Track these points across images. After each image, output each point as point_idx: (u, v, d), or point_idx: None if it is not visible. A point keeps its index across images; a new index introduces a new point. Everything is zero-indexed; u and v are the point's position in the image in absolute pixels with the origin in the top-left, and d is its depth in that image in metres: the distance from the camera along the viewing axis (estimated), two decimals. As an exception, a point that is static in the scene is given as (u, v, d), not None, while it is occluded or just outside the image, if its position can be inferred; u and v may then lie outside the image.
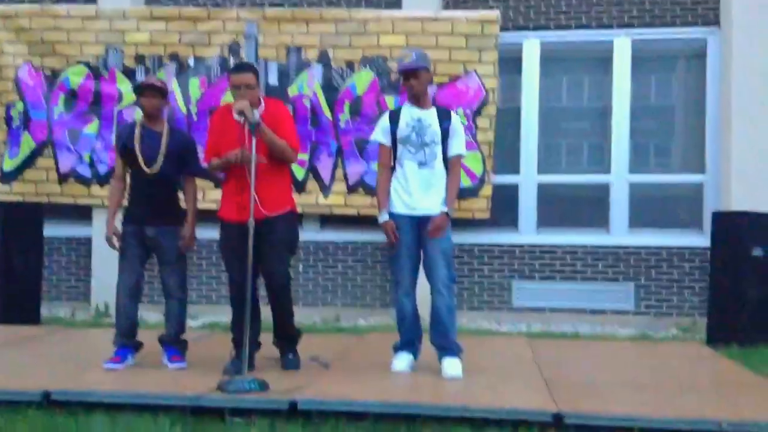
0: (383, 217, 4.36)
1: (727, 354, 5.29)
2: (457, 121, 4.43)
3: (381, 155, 4.48)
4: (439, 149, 4.34)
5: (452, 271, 4.39)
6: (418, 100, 4.38)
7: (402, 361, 4.44)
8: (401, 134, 4.34)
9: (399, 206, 4.35)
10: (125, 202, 4.64)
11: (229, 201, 4.37)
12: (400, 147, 4.36)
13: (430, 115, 4.36)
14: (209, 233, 7.29)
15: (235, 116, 4.21)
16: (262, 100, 4.41)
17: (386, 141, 4.41)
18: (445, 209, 4.30)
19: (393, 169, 4.41)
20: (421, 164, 4.32)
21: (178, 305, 4.54)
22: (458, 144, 4.38)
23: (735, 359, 5.10)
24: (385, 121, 4.46)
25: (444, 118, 4.37)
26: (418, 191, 4.31)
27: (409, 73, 4.31)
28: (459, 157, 4.41)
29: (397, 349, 4.50)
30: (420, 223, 4.31)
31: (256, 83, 4.33)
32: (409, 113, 4.38)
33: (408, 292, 4.37)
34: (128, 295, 4.50)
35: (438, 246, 4.29)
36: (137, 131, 4.49)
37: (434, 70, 6.84)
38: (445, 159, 4.37)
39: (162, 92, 4.53)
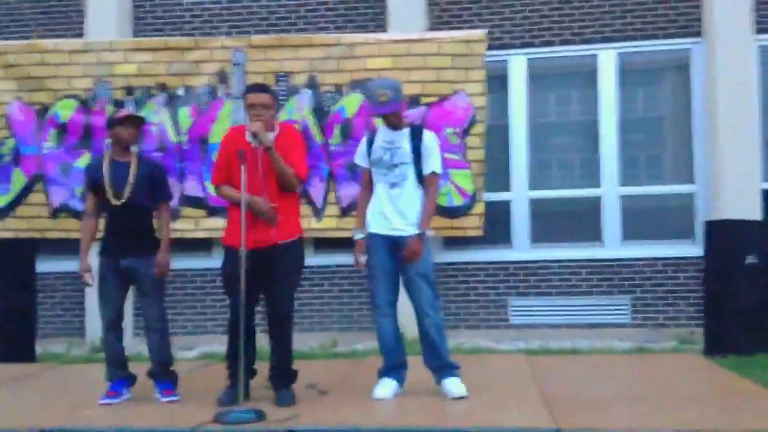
0: (355, 237, 4.43)
1: (725, 364, 5.28)
2: (430, 139, 4.40)
3: (362, 177, 4.58)
4: (410, 170, 4.33)
5: (435, 289, 4.37)
6: (392, 124, 4.41)
7: (384, 388, 4.35)
8: (373, 156, 4.41)
9: (374, 226, 4.39)
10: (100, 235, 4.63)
11: (237, 228, 4.17)
12: (373, 169, 4.43)
13: (402, 136, 4.38)
14: (203, 262, 7.40)
15: (248, 138, 4.19)
16: (277, 125, 4.42)
17: (364, 163, 4.49)
18: (418, 231, 4.28)
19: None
20: (392, 185, 4.35)
21: (159, 337, 4.50)
22: (432, 162, 4.35)
23: (732, 369, 5.09)
24: (363, 144, 4.54)
25: (415, 137, 4.36)
26: (391, 212, 4.34)
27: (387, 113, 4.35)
28: (433, 175, 4.37)
29: (381, 374, 4.43)
30: (395, 243, 4.32)
31: (273, 105, 4.36)
32: (382, 135, 4.43)
33: (385, 313, 4.34)
34: (110, 329, 4.49)
35: (416, 269, 4.28)
36: (105, 164, 4.51)
37: (422, 91, 7.02)
38: (422, 178, 4.36)
39: (141, 122, 4.67)
